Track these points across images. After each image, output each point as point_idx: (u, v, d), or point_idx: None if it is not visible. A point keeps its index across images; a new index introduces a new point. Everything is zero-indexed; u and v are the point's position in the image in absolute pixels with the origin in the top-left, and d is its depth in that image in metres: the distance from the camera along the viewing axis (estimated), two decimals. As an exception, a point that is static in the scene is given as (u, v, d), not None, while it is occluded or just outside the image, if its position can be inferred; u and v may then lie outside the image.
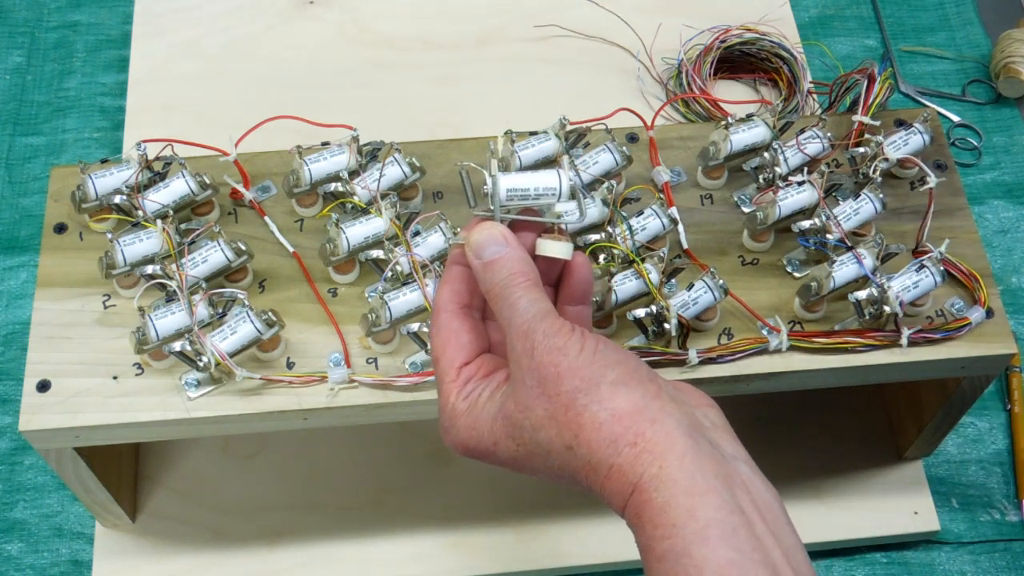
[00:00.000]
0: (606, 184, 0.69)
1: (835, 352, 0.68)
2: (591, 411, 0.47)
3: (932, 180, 0.71)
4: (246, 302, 0.65)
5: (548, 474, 0.49)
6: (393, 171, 0.70)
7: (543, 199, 0.53)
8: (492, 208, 0.52)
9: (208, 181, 0.70)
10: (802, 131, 0.74)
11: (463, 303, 0.53)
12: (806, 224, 0.70)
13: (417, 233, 0.68)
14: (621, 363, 0.48)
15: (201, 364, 0.64)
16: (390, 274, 0.66)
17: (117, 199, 0.69)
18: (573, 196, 0.54)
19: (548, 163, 0.72)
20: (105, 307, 0.68)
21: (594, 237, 0.68)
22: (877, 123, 0.74)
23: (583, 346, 0.48)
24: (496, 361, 0.53)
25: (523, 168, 0.71)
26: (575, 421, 0.47)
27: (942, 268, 0.68)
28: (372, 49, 1.02)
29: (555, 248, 0.53)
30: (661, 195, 0.72)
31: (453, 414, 0.51)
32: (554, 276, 0.55)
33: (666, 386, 0.49)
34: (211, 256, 0.67)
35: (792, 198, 0.70)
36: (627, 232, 0.68)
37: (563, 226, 0.54)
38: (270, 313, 0.66)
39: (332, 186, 0.70)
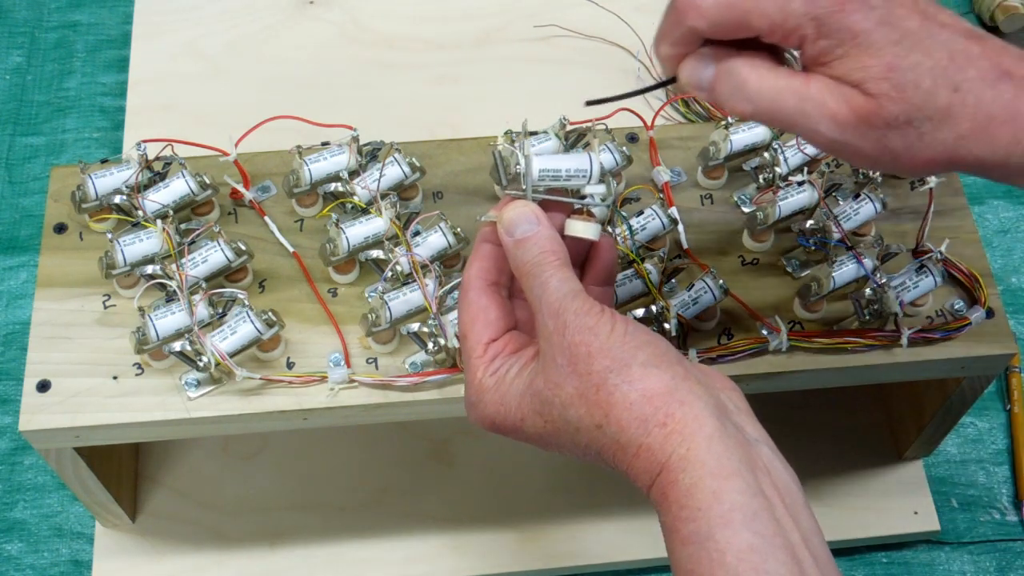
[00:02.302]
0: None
1: (835, 352, 0.68)
2: (622, 391, 0.47)
3: (932, 180, 0.71)
4: (246, 302, 0.65)
5: (574, 450, 0.50)
6: (393, 171, 0.70)
7: (573, 181, 0.53)
8: (524, 188, 0.53)
9: (208, 181, 0.70)
10: (802, 131, 0.74)
11: (491, 280, 0.54)
12: (806, 224, 0.70)
13: (417, 233, 0.68)
14: (651, 344, 0.49)
15: (201, 364, 0.64)
16: (390, 274, 0.66)
17: (117, 199, 0.69)
18: (602, 179, 0.54)
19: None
20: (105, 307, 0.68)
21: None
22: (877, 123, 0.74)
23: (614, 326, 0.49)
24: (523, 338, 0.53)
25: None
26: (606, 400, 0.47)
27: (942, 268, 0.68)
28: (372, 49, 1.02)
29: (584, 229, 0.54)
30: (661, 195, 0.72)
31: (480, 389, 0.52)
32: (579, 257, 0.56)
33: (692, 368, 0.50)
34: (211, 256, 0.67)
35: (792, 198, 0.70)
36: (627, 232, 0.68)
37: (590, 208, 0.54)
38: (270, 313, 0.66)
39: (332, 186, 0.70)
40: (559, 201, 0.54)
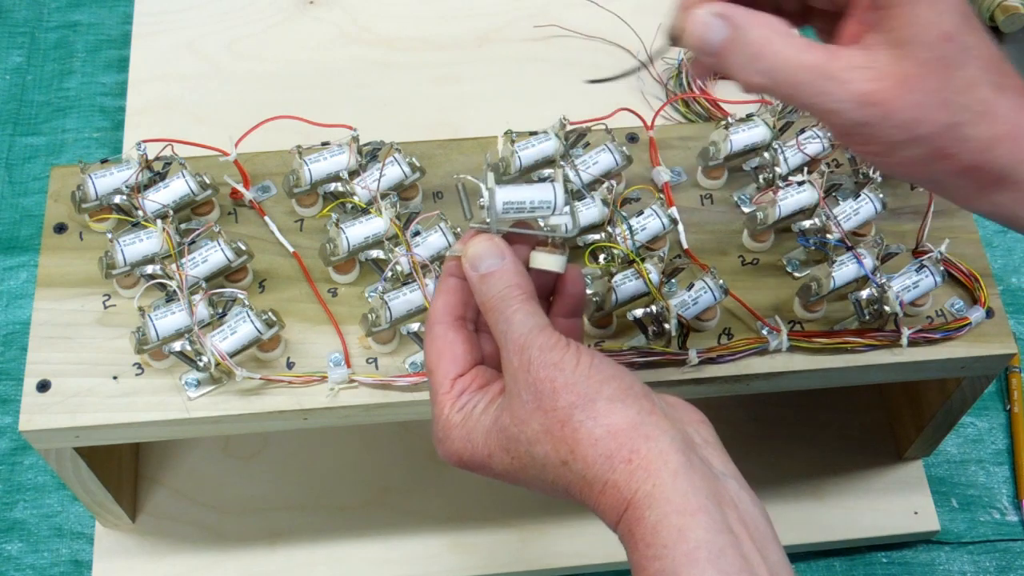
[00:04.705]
0: (606, 184, 0.69)
1: (835, 352, 0.68)
2: (587, 427, 0.47)
3: (932, 180, 0.71)
4: (246, 302, 0.65)
5: (542, 487, 0.49)
6: (393, 171, 0.70)
7: (538, 211, 0.53)
8: (488, 221, 0.53)
9: (208, 181, 0.70)
10: (802, 131, 0.74)
11: (457, 315, 0.53)
12: (806, 224, 0.70)
13: (417, 233, 0.68)
14: (616, 378, 0.48)
15: (201, 364, 0.64)
16: (390, 274, 0.66)
17: (117, 199, 0.69)
18: (567, 209, 0.54)
19: (548, 163, 0.72)
20: (105, 307, 0.68)
21: (594, 237, 0.68)
22: (877, 123, 0.74)
23: (579, 361, 0.48)
24: (490, 373, 0.53)
25: (523, 169, 0.71)
26: (571, 436, 0.47)
27: (942, 268, 0.68)
28: (372, 49, 1.02)
29: (549, 261, 0.53)
30: (661, 195, 0.72)
31: (447, 425, 0.51)
32: (547, 289, 0.55)
33: (659, 402, 0.49)
34: (211, 256, 0.67)
35: (792, 198, 0.70)
36: (627, 232, 0.68)
37: (557, 239, 0.54)
38: (270, 313, 0.66)
39: (332, 186, 0.70)
40: (524, 234, 0.54)
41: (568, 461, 0.47)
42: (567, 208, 0.53)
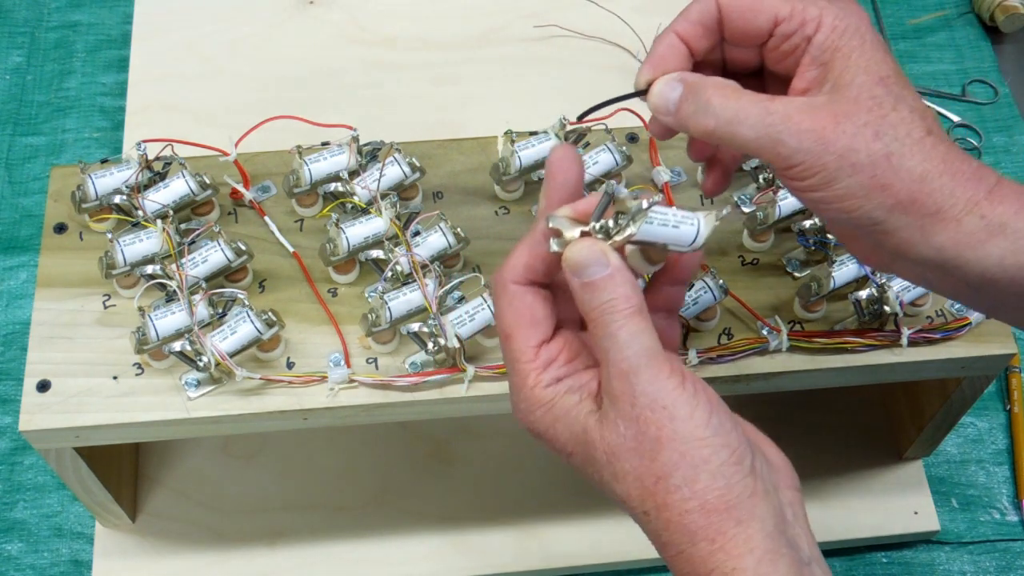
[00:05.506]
0: (606, 184, 0.69)
1: (835, 352, 0.68)
2: (682, 494, 0.44)
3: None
4: (246, 302, 0.65)
5: (611, 498, 0.48)
6: (393, 171, 0.70)
7: (667, 245, 0.49)
8: (613, 238, 0.48)
9: (208, 181, 0.70)
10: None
11: (534, 279, 0.49)
12: (806, 224, 0.70)
13: (417, 233, 0.68)
14: (728, 447, 0.45)
15: (201, 364, 0.64)
16: (390, 274, 0.66)
17: (117, 199, 0.69)
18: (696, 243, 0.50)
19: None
20: (105, 307, 0.68)
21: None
22: (877, 123, 0.74)
23: (693, 412, 0.45)
24: (577, 342, 0.49)
25: (523, 169, 0.71)
26: (661, 496, 0.45)
27: (942, 268, 0.68)
28: (372, 49, 1.02)
29: (639, 268, 0.49)
30: (661, 195, 0.72)
31: (532, 401, 0.48)
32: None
33: (762, 469, 0.46)
34: (211, 256, 0.67)
35: (792, 198, 0.70)
36: (627, 232, 0.68)
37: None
38: (270, 313, 0.66)
39: (332, 186, 0.70)
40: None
41: (649, 513, 0.45)
42: (696, 243, 0.49)
